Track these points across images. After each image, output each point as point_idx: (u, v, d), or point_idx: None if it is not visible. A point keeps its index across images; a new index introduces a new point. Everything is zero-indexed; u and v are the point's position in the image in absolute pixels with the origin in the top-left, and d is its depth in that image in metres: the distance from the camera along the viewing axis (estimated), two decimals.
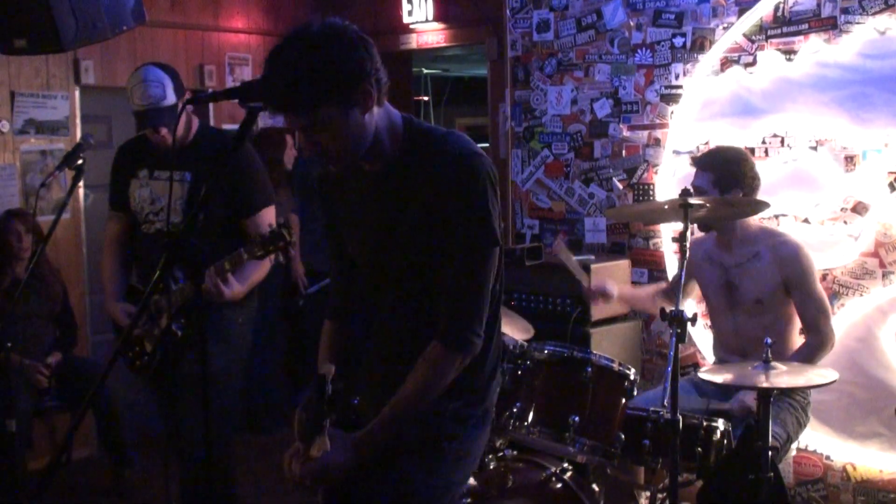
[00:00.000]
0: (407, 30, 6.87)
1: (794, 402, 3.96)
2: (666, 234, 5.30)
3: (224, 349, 3.94)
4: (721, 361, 4.19)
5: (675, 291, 4.09)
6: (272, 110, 2.31)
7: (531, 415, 3.50)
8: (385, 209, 2.43)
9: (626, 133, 5.45)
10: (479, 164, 2.35)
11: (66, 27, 3.59)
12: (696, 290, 4.37)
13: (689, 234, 3.36)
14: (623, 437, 3.49)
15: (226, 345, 3.96)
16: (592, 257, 5.27)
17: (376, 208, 2.45)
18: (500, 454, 3.83)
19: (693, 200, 3.36)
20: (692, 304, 4.61)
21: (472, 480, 3.67)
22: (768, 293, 4.01)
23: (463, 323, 2.37)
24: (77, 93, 5.90)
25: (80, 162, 3.84)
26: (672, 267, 5.25)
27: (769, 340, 3.48)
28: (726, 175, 4.04)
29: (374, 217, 2.47)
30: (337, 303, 2.70)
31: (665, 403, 3.38)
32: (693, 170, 4.20)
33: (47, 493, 2.22)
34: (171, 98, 3.83)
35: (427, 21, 6.68)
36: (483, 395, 2.53)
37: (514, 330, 4.01)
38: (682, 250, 3.37)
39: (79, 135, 5.85)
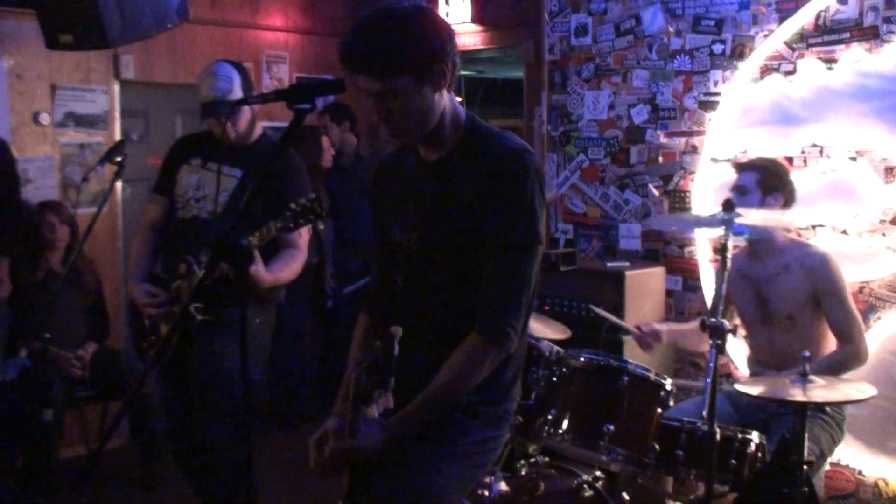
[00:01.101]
0: None
1: (828, 418, 3.91)
2: (701, 242, 5.27)
3: (239, 347, 3.94)
4: (755, 375, 4.15)
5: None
6: (352, 71, 2.37)
7: (565, 422, 3.49)
8: (436, 197, 2.48)
9: (663, 139, 5.43)
10: (531, 162, 2.41)
11: (112, 24, 3.62)
12: (731, 309, 4.27)
13: (730, 244, 3.34)
14: (657, 447, 3.47)
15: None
16: (627, 264, 5.26)
17: (428, 196, 2.50)
18: (533, 460, 3.82)
19: (737, 212, 3.33)
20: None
21: (503, 486, 3.68)
22: (799, 307, 3.94)
23: (502, 317, 2.39)
24: (116, 87, 5.94)
25: (121, 158, 3.86)
26: (707, 275, 5.23)
27: (807, 353, 3.45)
28: (771, 176, 4.01)
29: (424, 205, 2.51)
30: (374, 297, 2.73)
31: (703, 415, 3.35)
32: (731, 178, 4.16)
33: (79, 482, 2.24)
34: (236, 94, 3.91)
35: (464, 23, 6.67)
36: (502, 397, 2.54)
37: (553, 331, 4.01)
38: (722, 261, 3.34)
39: (117, 128, 5.90)
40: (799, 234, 4.54)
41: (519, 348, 2.54)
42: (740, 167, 4.16)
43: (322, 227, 3.71)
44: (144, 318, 4.00)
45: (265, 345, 4.13)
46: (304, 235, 3.93)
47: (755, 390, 3.47)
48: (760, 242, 4.07)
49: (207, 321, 3.77)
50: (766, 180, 4.00)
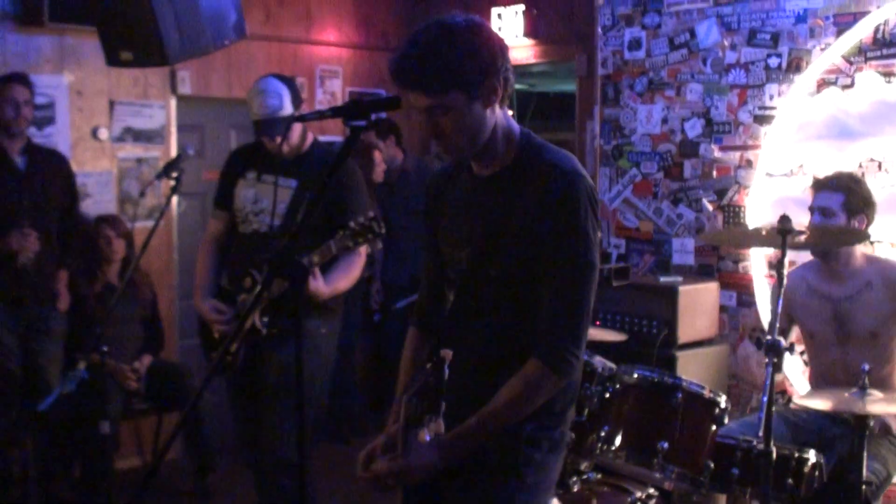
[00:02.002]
0: None
1: (894, 438, 3.84)
2: (756, 258, 5.22)
3: (308, 358, 3.97)
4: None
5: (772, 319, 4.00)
6: (402, 86, 2.36)
7: (618, 439, 3.47)
8: (488, 214, 2.45)
9: (717, 154, 5.38)
10: (582, 185, 2.37)
11: (172, 41, 3.68)
12: (794, 330, 4.18)
13: (786, 261, 3.29)
14: (712, 465, 3.43)
15: (310, 354, 3.99)
16: (680, 279, 5.21)
17: (481, 214, 2.47)
18: (585, 477, 3.80)
19: (794, 227, 3.29)
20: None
21: (555, 502, 3.65)
22: (883, 324, 3.87)
23: (563, 345, 2.36)
24: (173, 102, 6.03)
25: (177, 173, 3.91)
26: (762, 291, 5.17)
27: (866, 367, 3.39)
28: (858, 198, 3.92)
29: (476, 221, 2.48)
30: (424, 313, 2.72)
31: (759, 434, 3.30)
32: (788, 190, 4.10)
33: (132, 495, 2.26)
34: (287, 109, 3.93)
35: (517, 37, 6.67)
36: (559, 420, 2.52)
37: (610, 334, 4.00)
38: (779, 277, 3.30)
39: (173, 143, 5.98)
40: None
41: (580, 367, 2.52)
42: (821, 186, 4.04)
43: (380, 247, 3.73)
44: (214, 332, 4.06)
45: (332, 353, 4.17)
46: None
47: (815, 404, 3.42)
48: (837, 261, 3.97)
49: (275, 333, 3.81)
50: (852, 203, 3.90)
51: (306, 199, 3.82)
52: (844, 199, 3.91)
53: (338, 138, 6.56)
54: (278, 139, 3.91)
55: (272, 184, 3.94)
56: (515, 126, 2.48)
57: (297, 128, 4.00)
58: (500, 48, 2.37)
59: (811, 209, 3.99)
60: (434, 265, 2.68)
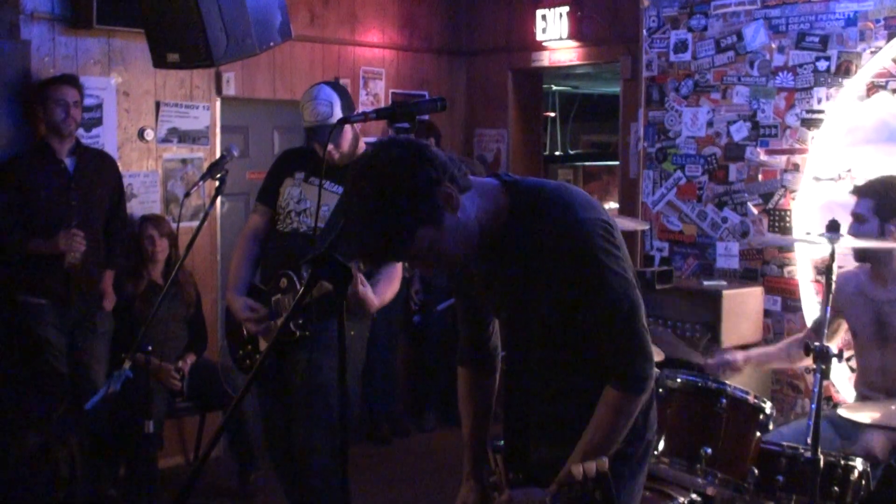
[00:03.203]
0: (540, 47, 6.85)
1: None
2: (801, 262, 5.16)
3: (336, 361, 3.97)
4: (863, 398, 4.03)
5: (819, 327, 3.95)
6: (374, 265, 2.32)
7: (662, 444, 3.44)
8: (509, 284, 2.39)
9: (763, 157, 5.33)
10: (588, 231, 2.27)
11: (218, 43, 3.70)
12: (842, 328, 4.14)
13: (835, 266, 3.25)
14: (756, 471, 3.40)
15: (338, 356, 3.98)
16: (724, 283, 5.17)
17: (501, 284, 2.42)
18: None
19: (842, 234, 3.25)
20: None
21: None
22: None
23: (634, 366, 2.33)
24: (218, 103, 6.07)
25: (223, 173, 3.93)
26: (807, 296, 5.10)
27: None
28: (888, 201, 3.90)
29: (500, 291, 2.44)
30: (468, 351, 2.68)
31: (808, 441, 3.26)
32: (835, 194, 4.06)
33: (174, 493, 2.27)
34: (337, 116, 3.90)
35: (561, 39, 6.65)
36: (642, 431, 2.49)
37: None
38: (827, 284, 3.26)
39: (218, 144, 6.02)
40: None
41: None
42: (856, 192, 4.04)
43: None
44: (244, 330, 4.06)
45: (360, 358, 4.15)
46: None
47: (861, 417, 3.38)
48: (884, 265, 3.94)
49: (307, 336, 3.82)
50: (882, 207, 3.89)
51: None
52: (875, 203, 3.91)
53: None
54: (330, 147, 3.91)
55: (318, 186, 3.95)
56: (495, 189, 2.33)
57: (348, 135, 3.97)
58: (425, 160, 2.18)
59: (851, 215, 3.98)
60: (467, 306, 2.62)
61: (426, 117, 6.54)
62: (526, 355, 2.50)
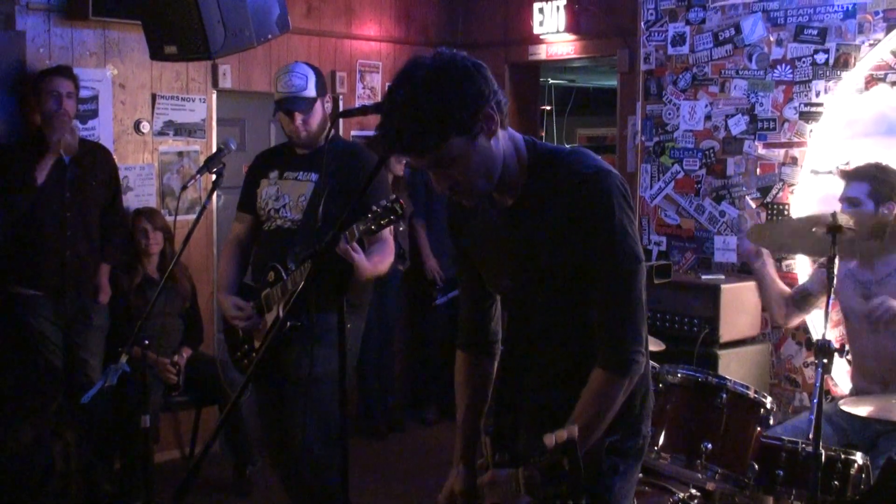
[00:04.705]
0: (537, 40, 6.83)
1: None
2: (800, 256, 5.15)
3: (332, 353, 3.94)
4: (860, 391, 4.03)
5: (803, 304, 4.13)
6: (399, 154, 2.28)
7: (661, 439, 3.43)
8: (520, 240, 2.38)
9: (761, 150, 5.32)
10: (608, 182, 2.27)
11: (216, 35, 3.68)
12: (820, 301, 4.17)
13: (837, 260, 3.24)
14: (756, 466, 3.39)
15: (333, 349, 3.97)
16: (722, 277, 5.16)
17: (511, 240, 2.40)
18: None
19: (843, 223, 3.23)
20: (819, 315, 4.41)
21: None
22: None
23: (624, 346, 2.30)
24: (214, 96, 6.05)
25: (220, 167, 3.91)
26: (802, 268, 5.11)
27: None
28: (882, 184, 3.93)
29: (509, 249, 2.42)
30: (468, 334, 2.66)
31: (808, 435, 3.26)
32: (834, 188, 4.07)
33: (170, 487, 2.26)
34: (311, 91, 3.94)
35: (558, 32, 6.63)
36: (638, 425, 2.48)
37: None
38: (829, 277, 3.25)
39: (214, 137, 6.00)
40: None
41: (647, 363, 2.46)
42: (848, 176, 4.07)
43: (402, 228, 3.69)
44: (237, 329, 4.07)
45: (354, 350, 4.16)
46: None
47: (860, 410, 3.37)
48: (869, 247, 3.95)
49: (300, 327, 3.80)
50: (877, 190, 3.92)
51: (324, 190, 3.79)
52: (870, 187, 3.93)
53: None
54: (298, 118, 3.91)
55: (293, 180, 3.97)
56: (519, 139, 2.36)
57: (318, 114, 3.99)
58: (480, 74, 2.21)
59: (840, 200, 3.99)
60: (471, 283, 2.61)
61: None
62: (525, 335, 2.50)
